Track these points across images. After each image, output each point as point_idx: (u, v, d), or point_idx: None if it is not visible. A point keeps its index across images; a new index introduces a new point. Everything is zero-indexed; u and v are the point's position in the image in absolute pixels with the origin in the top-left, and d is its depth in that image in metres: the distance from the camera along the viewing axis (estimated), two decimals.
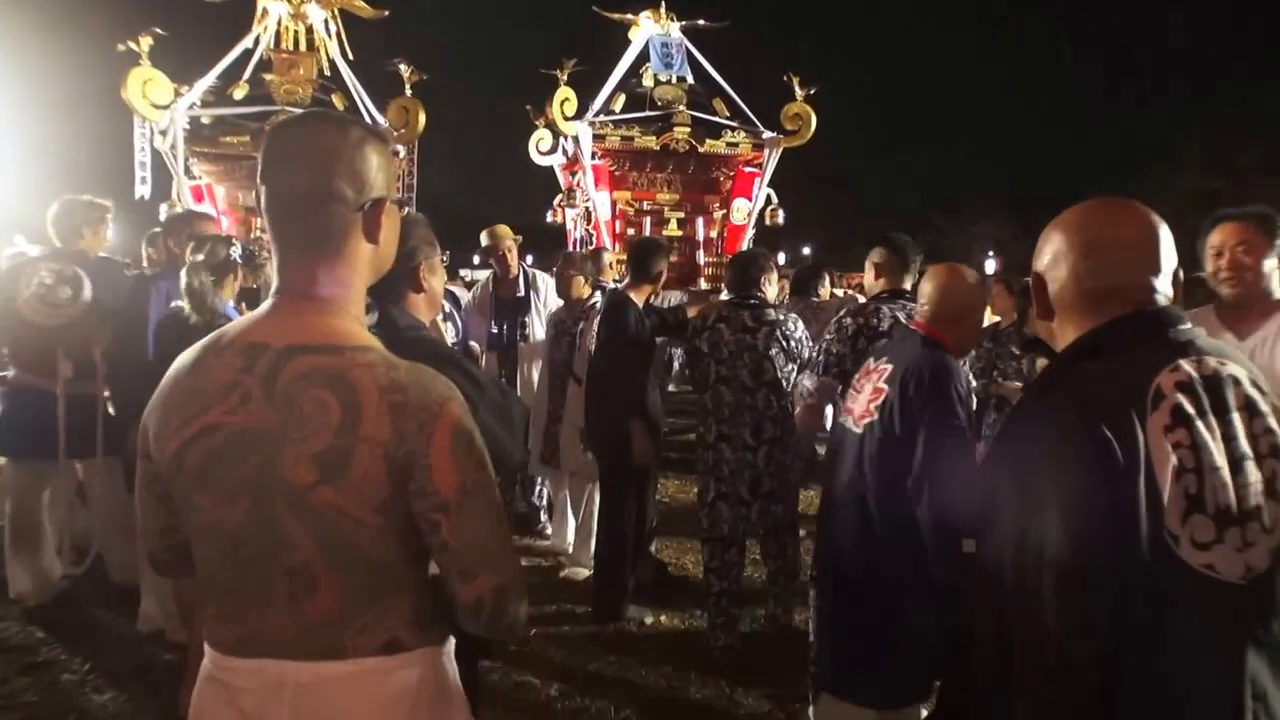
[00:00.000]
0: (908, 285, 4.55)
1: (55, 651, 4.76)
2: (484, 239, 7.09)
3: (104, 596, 5.38)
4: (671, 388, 10.21)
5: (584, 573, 6.02)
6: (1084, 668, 1.52)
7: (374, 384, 1.48)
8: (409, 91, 12.65)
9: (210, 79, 12.13)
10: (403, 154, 13.25)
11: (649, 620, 5.49)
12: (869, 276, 4.68)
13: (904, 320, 4.41)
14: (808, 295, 8.23)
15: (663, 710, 4.47)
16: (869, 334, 4.37)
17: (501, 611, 1.55)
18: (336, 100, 12.92)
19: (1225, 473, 1.55)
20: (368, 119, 13.00)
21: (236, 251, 4.38)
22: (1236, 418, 1.60)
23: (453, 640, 1.71)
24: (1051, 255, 1.84)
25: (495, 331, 6.98)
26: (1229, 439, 1.58)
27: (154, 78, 11.42)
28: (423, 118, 12.57)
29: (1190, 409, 1.57)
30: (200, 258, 4.23)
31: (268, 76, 12.65)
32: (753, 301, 5.02)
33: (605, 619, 5.40)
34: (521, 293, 7.07)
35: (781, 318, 4.98)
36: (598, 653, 5.01)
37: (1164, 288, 1.74)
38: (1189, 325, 1.70)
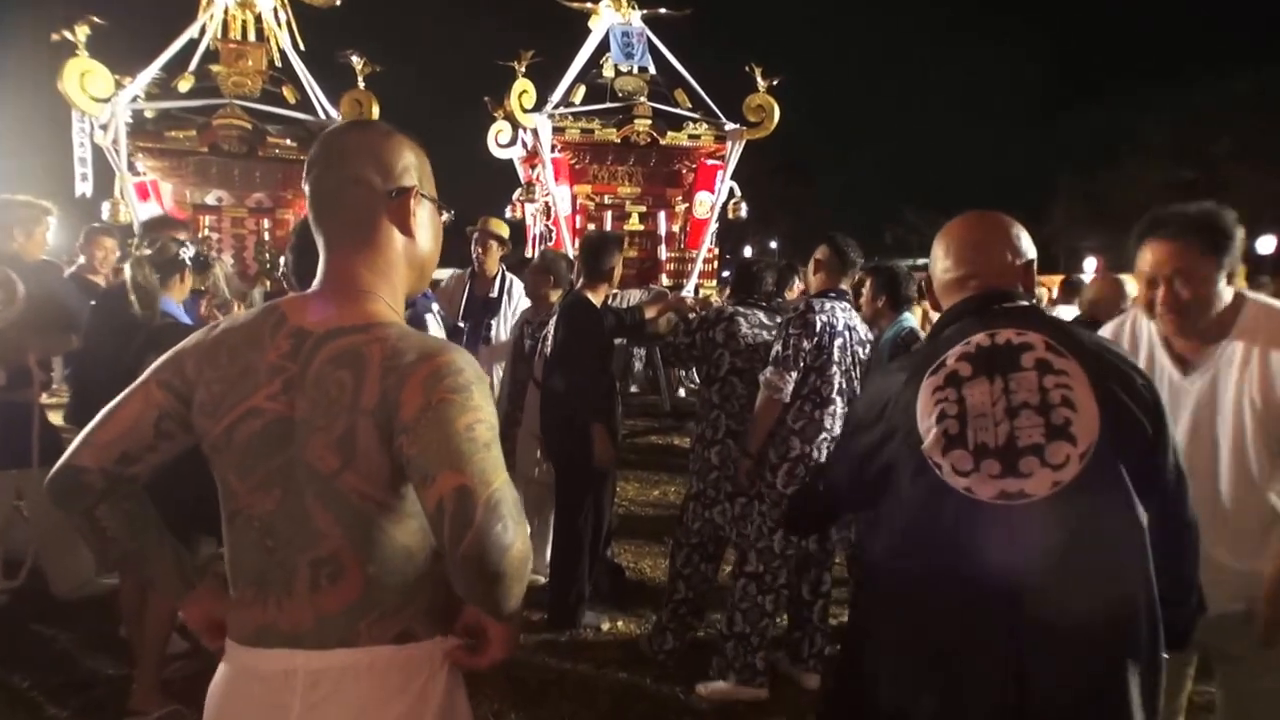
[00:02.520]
0: (845, 286, 4.74)
1: None
2: (477, 225, 7.21)
3: (42, 611, 5.34)
4: (633, 389, 10.28)
5: (540, 579, 6.05)
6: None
7: (380, 353, 1.53)
8: (362, 84, 12.57)
9: (153, 70, 11.95)
10: None
11: (605, 626, 5.55)
12: (810, 272, 4.81)
13: (848, 320, 4.56)
14: (778, 295, 8.30)
15: (617, 715, 4.53)
16: (830, 331, 4.50)
17: (465, 517, 1.36)
18: (287, 93, 12.80)
19: (990, 418, 2.06)
20: (320, 112, 12.94)
21: (188, 253, 4.37)
22: (1024, 376, 2.07)
23: None
24: (932, 256, 2.46)
25: (460, 327, 7.01)
26: (1008, 392, 2.07)
27: (92, 69, 11.22)
28: (376, 110, 12.48)
29: (965, 373, 2.12)
30: (147, 252, 4.24)
31: (214, 68, 12.50)
32: (764, 304, 5.14)
33: (561, 625, 5.44)
34: (495, 293, 7.10)
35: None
36: (553, 659, 5.05)
37: (1005, 269, 2.30)
38: (1018, 304, 2.24)
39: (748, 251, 40.52)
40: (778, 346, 4.56)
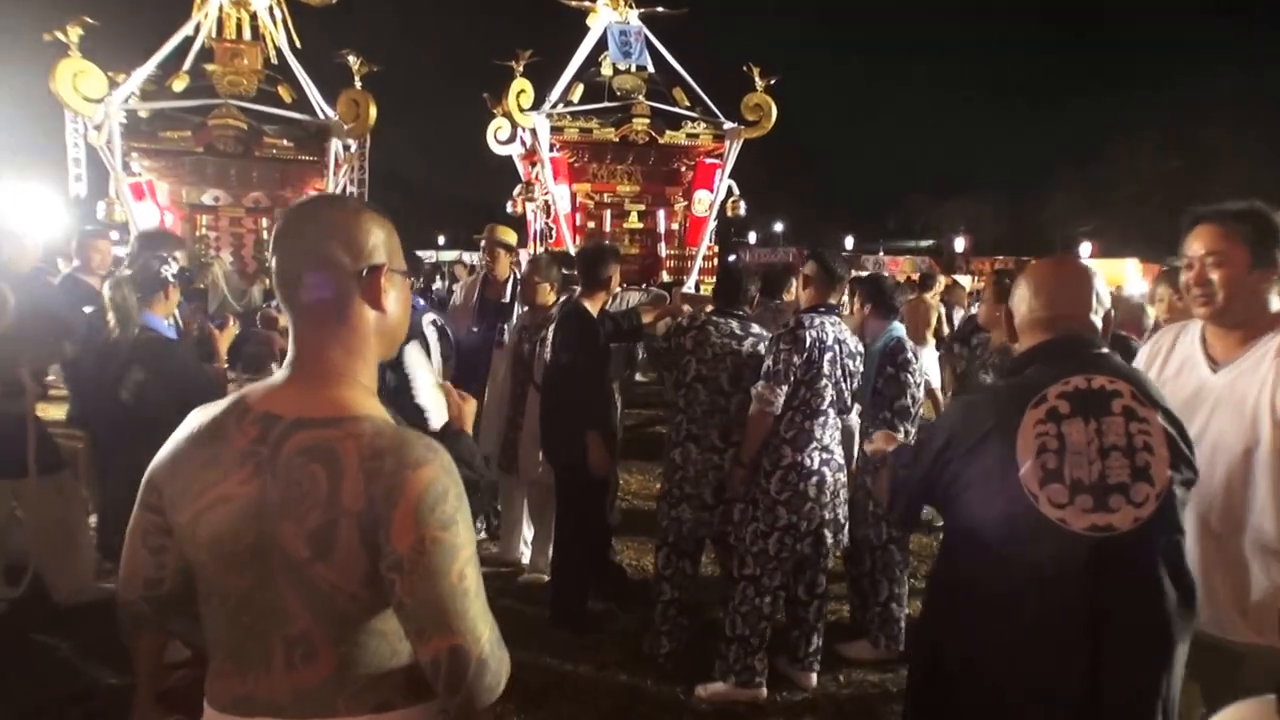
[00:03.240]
0: (834, 300, 4.87)
1: None
2: (485, 234, 7.35)
3: (43, 619, 5.36)
4: (639, 376, 10.26)
5: (543, 578, 6.10)
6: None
7: (357, 454, 1.54)
8: (359, 83, 12.58)
9: (148, 70, 11.95)
10: (354, 148, 13.20)
11: (608, 626, 5.60)
12: (800, 287, 4.91)
13: (838, 334, 4.66)
14: (773, 298, 8.30)
15: (618, 713, 4.58)
16: (820, 346, 4.62)
17: (458, 675, 1.54)
18: (283, 92, 12.81)
19: (1086, 456, 2.33)
20: (317, 111, 12.94)
21: (171, 270, 4.41)
22: (1114, 420, 2.36)
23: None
24: (1017, 295, 2.68)
25: (475, 331, 7.08)
26: (1100, 434, 2.35)
27: (85, 69, 11.21)
28: (374, 110, 12.48)
29: (1064, 410, 2.37)
30: (129, 273, 4.34)
31: (209, 67, 12.50)
32: (740, 313, 5.16)
33: (563, 624, 5.49)
34: (507, 298, 7.16)
35: (765, 333, 5.11)
36: (555, 660, 5.09)
37: (1089, 321, 2.55)
38: (1101, 350, 2.51)
39: (752, 238, 40.51)
40: (769, 361, 4.67)
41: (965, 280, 24.26)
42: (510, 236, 7.43)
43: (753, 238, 41.12)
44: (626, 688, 4.86)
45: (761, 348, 4.99)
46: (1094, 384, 2.41)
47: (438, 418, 2.79)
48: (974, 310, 9.00)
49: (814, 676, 4.91)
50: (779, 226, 54.00)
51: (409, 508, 1.52)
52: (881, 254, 41.05)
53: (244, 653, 1.63)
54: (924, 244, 53.52)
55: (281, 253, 1.68)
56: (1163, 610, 2.34)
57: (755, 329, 5.14)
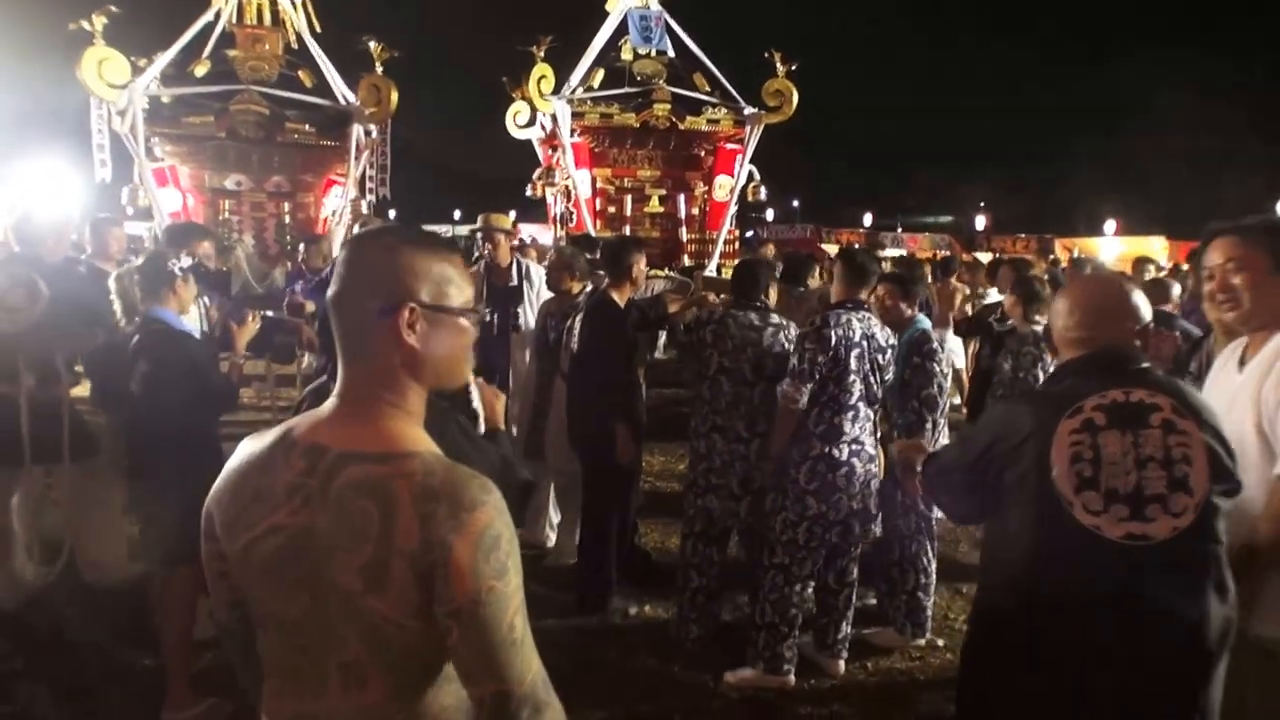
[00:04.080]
0: (863, 296, 4.90)
1: (29, 659, 4.79)
2: (479, 223, 7.30)
3: (78, 599, 5.43)
4: (659, 354, 10.23)
5: (569, 562, 6.14)
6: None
7: (409, 494, 1.55)
8: (379, 69, 12.60)
9: (170, 56, 12.01)
10: (375, 133, 13.23)
11: (633, 611, 5.63)
12: (831, 282, 4.94)
13: (866, 329, 4.69)
14: (796, 284, 8.29)
15: (648, 699, 4.61)
16: (847, 343, 4.65)
17: (500, 716, 1.56)
18: (304, 77, 12.84)
19: (1122, 467, 2.40)
20: (338, 97, 12.98)
21: (179, 265, 4.40)
22: (1151, 433, 2.42)
23: None
24: (1054, 310, 2.77)
25: (488, 320, 7.08)
26: (1137, 445, 2.42)
27: (110, 57, 11.32)
28: (395, 96, 12.51)
29: (1100, 422, 2.45)
30: (137, 264, 4.39)
31: (231, 53, 12.56)
32: (759, 305, 5.17)
33: (590, 610, 5.53)
34: (514, 282, 7.17)
35: (784, 323, 5.14)
36: (583, 645, 5.12)
37: (1127, 336, 2.61)
38: (1141, 365, 2.57)
39: (770, 215, 40.39)
40: (794, 360, 4.71)
41: (985, 258, 24.19)
42: (505, 222, 7.41)
43: (770, 215, 40.98)
44: (654, 672, 4.90)
45: (782, 336, 5.04)
46: (1132, 397, 2.47)
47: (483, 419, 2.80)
48: (993, 297, 8.97)
49: (841, 664, 4.94)
50: (796, 203, 53.94)
51: (465, 556, 1.54)
52: (900, 231, 40.88)
53: (300, 674, 1.67)
54: (943, 220, 53.25)
55: (336, 281, 1.70)
56: (1202, 620, 2.39)
57: (775, 318, 5.16)
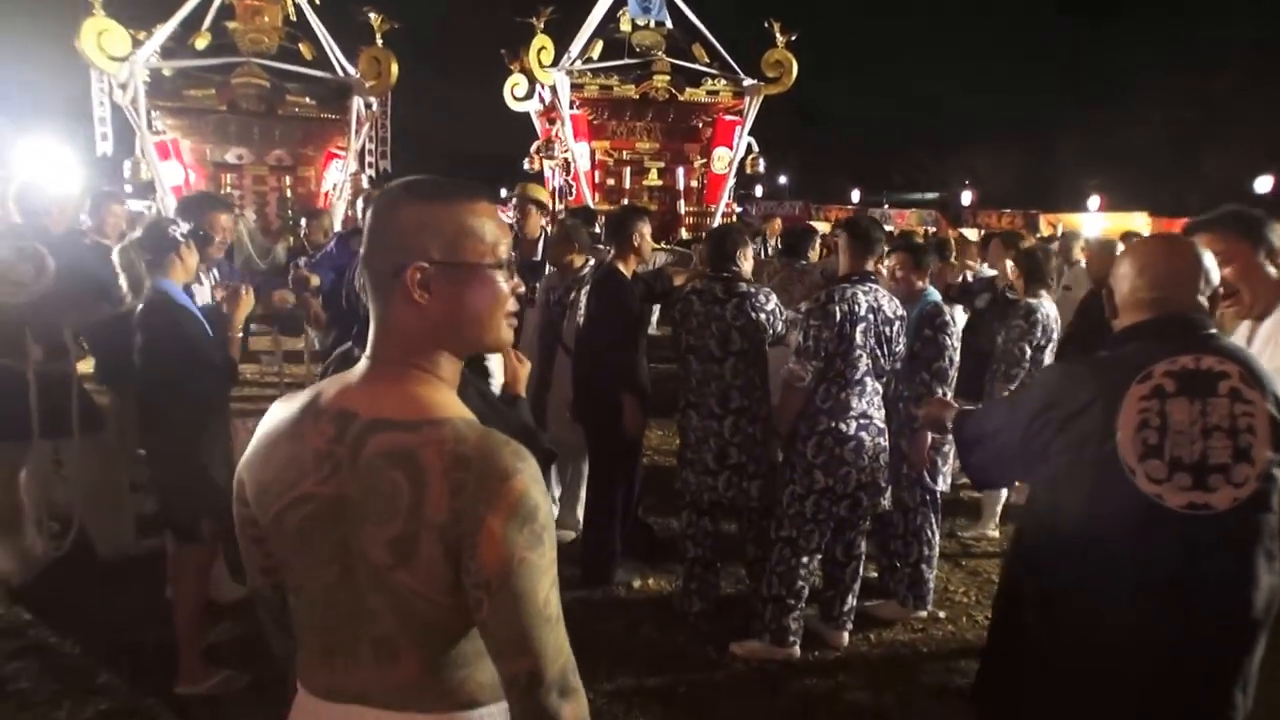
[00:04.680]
0: (870, 267, 4.80)
1: (43, 633, 4.79)
2: (518, 192, 7.33)
3: (90, 573, 5.43)
4: (654, 330, 10.21)
5: (570, 535, 6.14)
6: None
7: (440, 462, 1.49)
8: (380, 41, 12.51)
9: (170, 28, 11.91)
10: (375, 106, 13.16)
11: (637, 583, 5.64)
12: (838, 252, 4.89)
13: (873, 302, 4.63)
14: (797, 258, 8.25)
15: (654, 671, 4.62)
16: (852, 318, 4.59)
17: (531, 697, 1.50)
18: (304, 49, 12.76)
19: (1189, 436, 2.36)
20: (337, 69, 12.89)
21: (179, 230, 4.33)
22: (1219, 401, 2.37)
23: None
24: (1119, 273, 2.66)
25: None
26: (1204, 414, 2.37)
27: (109, 28, 11.19)
28: (395, 68, 12.43)
29: (1170, 389, 2.39)
30: (137, 235, 4.31)
31: (231, 25, 12.46)
32: (726, 275, 5.09)
33: (594, 583, 5.53)
34: (539, 256, 7.13)
35: (753, 290, 5.05)
36: (586, 616, 5.13)
37: (1196, 301, 2.52)
38: (1209, 330, 2.49)
39: (759, 191, 40.26)
40: (799, 337, 4.67)
41: (971, 234, 24.14)
42: (543, 194, 7.41)
43: (759, 191, 40.82)
44: (659, 645, 4.90)
45: (748, 306, 4.95)
46: (1202, 364, 2.42)
47: (499, 380, 2.76)
48: (983, 272, 8.92)
49: (846, 635, 4.94)
50: (784, 180, 53.62)
51: (498, 525, 1.47)
52: (887, 207, 40.73)
53: (333, 646, 1.64)
54: (929, 197, 53.04)
55: (369, 239, 1.64)
56: (1252, 590, 2.40)
57: (741, 287, 5.05)
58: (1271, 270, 2.99)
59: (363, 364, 1.64)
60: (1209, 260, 2.58)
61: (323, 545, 1.58)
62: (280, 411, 1.69)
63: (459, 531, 1.47)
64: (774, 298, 5.12)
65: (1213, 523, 2.36)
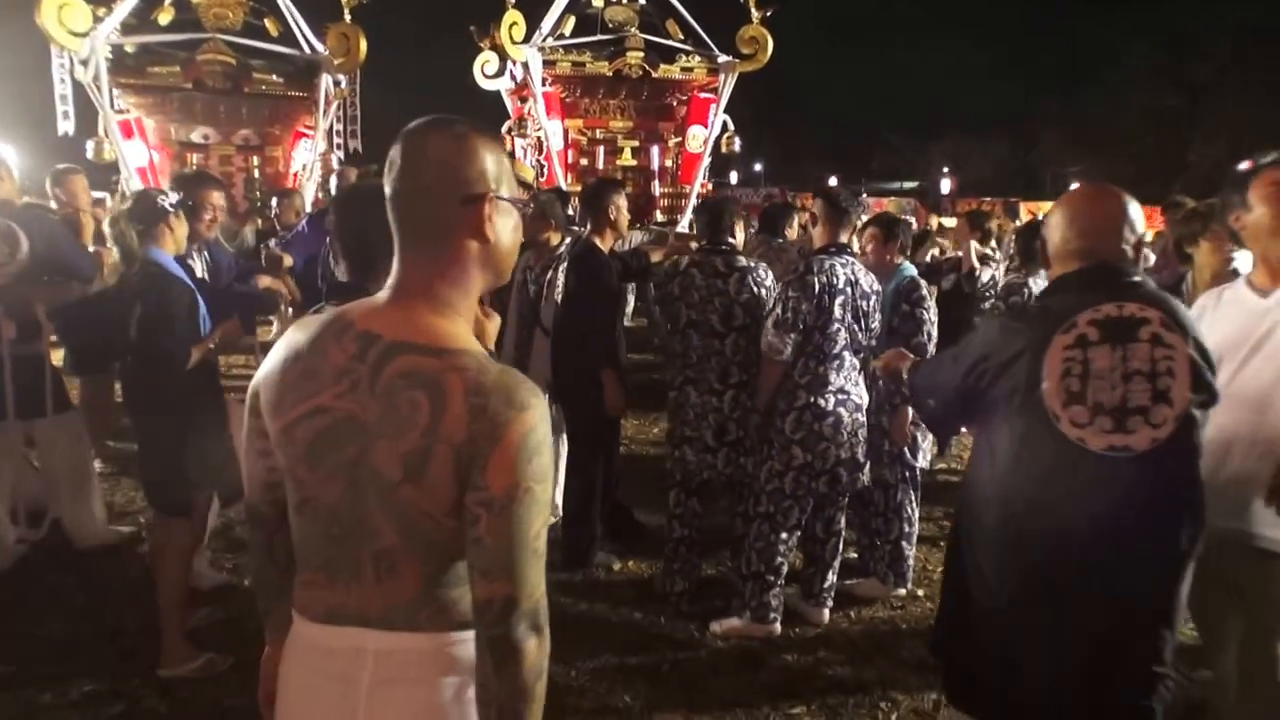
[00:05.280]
0: (844, 239, 4.87)
1: (21, 622, 4.81)
2: None
3: (65, 562, 5.47)
4: (628, 322, 10.31)
5: (552, 519, 6.21)
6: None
7: (461, 386, 1.59)
8: (348, 17, 12.47)
9: (131, 2, 11.80)
10: (344, 84, 13.12)
11: (617, 566, 5.73)
12: (810, 226, 4.97)
13: (850, 275, 4.71)
14: (774, 235, 8.34)
15: (636, 650, 4.71)
16: (830, 290, 4.66)
17: (502, 623, 1.59)
18: (270, 25, 12.71)
19: (1109, 381, 2.52)
20: (304, 46, 12.85)
21: (168, 200, 4.41)
22: (1139, 346, 2.53)
23: None
24: (1050, 224, 2.84)
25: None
26: (1125, 359, 2.52)
27: (69, 3, 11.06)
28: (364, 45, 12.40)
29: (1093, 337, 2.54)
30: (126, 207, 4.39)
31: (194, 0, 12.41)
32: (724, 248, 5.18)
33: (574, 566, 5.61)
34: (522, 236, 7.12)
35: (752, 265, 5.14)
36: (569, 599, 5.22)
37: (1122, 249, 2.70)
38: (1133, 278, 2.65)
39: (733, 178, 40.29)
40: (777, 310, 4.72)
41: (950, 223, 24.25)
42: (528, 174, 7.44)
43: (734, 177, 40.81)
44: (641, 625, 5.00)
45: (750, 281, 5.05)
46: (1124, 311, 2.56)
47: None
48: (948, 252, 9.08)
49: (826, 613, 5.06)
50: (759, 166, 53.52)
51: (510, 449, 1.58)
52: (865, 195, 40.81)
53: (335, 564, 1.72)
54: (908, 185, 53.11)
55: (394, 176, 1.71)
56: (1176, 524, 2.57)
57: (741, 261, 5.16)
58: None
59: (389, 293, 1.73)
60: (1134, 211, 2.74)
61: (332, 459, 1.66)
62: (301, 331, 1.77)
63: (473, 452, 1.57)
64: (770, 273, 5.20)
65: (1133, 463, 2.52)
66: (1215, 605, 3.25)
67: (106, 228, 4.36)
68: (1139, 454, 2.51)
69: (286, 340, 1.78)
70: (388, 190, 1.73)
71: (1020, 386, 2.61)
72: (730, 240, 5.22)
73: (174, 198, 4.48)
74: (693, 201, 14.64)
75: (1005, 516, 2.68)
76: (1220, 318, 3.23)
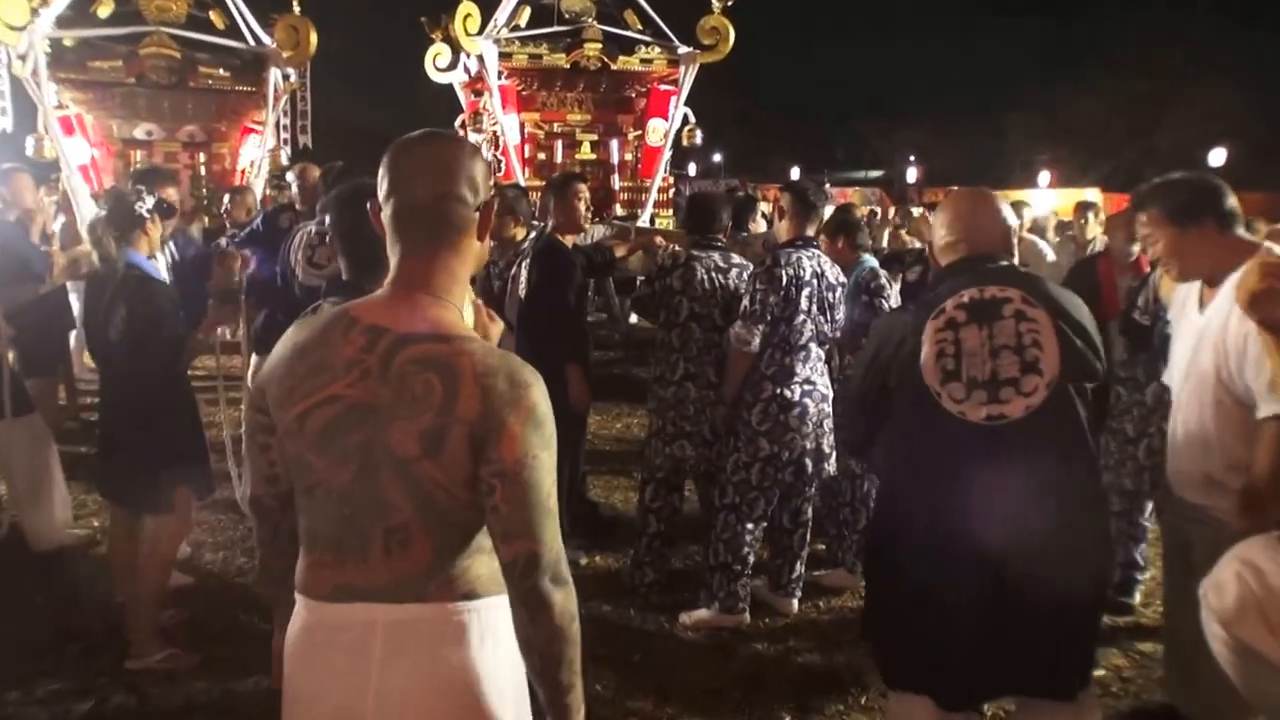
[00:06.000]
0: (811, 232, 5.08)
1: None
2: None
3: (24, 566, 5.54)
4: (589, 318, 10.42)
5: None
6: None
7: (471, 368, 1.81)
8: (297, 8, 12.47)
9: None
10: (294, 78, 13.12)
11: (584, 561, 5.87)
12: (776, 219, 5.15)
13: (816, 267, 4.90)
14: (740, 229, 8.47)
15: (605, 642, 4.83)
16: (797, 283, 4.85)
17: (529, 577, 1.81)
18: (215, 18, 12.65)
19: (979, 357, 2.86)
20: (250, 39, 12.82)
21: (145, 205, 4.55)
22: (1004, 323, 2.87)
23: None
24: (935, 224, 3.28)
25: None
26: (991, 336, 2.87)
27: None
28: (314, 37, 12.39)
29: (961, 319, 2.90)
30: (104, 213, 4.58)
31: None
32: (718, 244, 5.38)
33: None
34: None
35: (744, 262, 5.35)
36: None
37: (991, 240, 3.10)
38: (999, 264, 3.05)
39: (692, 169, 40.36)
40: (745, 301, 4.91)
41: (918, 212, 24.46)
42: None
43: (693, 169, 40.84)
44: (610, 618, 5.15)
45: (746, 276, 5.20)
46: (986, 294, 2.93)
47: None
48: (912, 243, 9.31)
49: (795, 603, 5.23)
50: (718, 157, 53.41)
51: (518, 424, 1.80)
52: (829, 186, 40.99)
53: (343, 543, 1.89)
54: (873, 175, 53.24)
55: (406, 187, 1.92)
56: (1063, 481, 2.90)
57: (736, 259, 5.36)
58: (1206, 241, 3.33)
59: (388, 289, 1.95)
60: (998, 204, 3.21)
61: (343, 444, 1.86)
62: (304, 329, 1.98)
63: (486, 427, 1.79)
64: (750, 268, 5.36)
65: (1012, 429, 2.86)
66: (1176, 578, 3.56)
67: (84, 232, 4.45)
68: (1017, 420, 2.84)
69: (291, 338, 1.98)
70: (400, 197, 1.94)
71: (906, 370, 2.96)
72: (721, 237, 5.41)
73: (150, 202, 4.62)
74: (654, 195, 14.75)
75: (910, 495, 3.01)
76: (1181, 323, 3.56)
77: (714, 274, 5.24)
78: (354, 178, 3.30)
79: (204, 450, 4.68)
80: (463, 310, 2.00)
